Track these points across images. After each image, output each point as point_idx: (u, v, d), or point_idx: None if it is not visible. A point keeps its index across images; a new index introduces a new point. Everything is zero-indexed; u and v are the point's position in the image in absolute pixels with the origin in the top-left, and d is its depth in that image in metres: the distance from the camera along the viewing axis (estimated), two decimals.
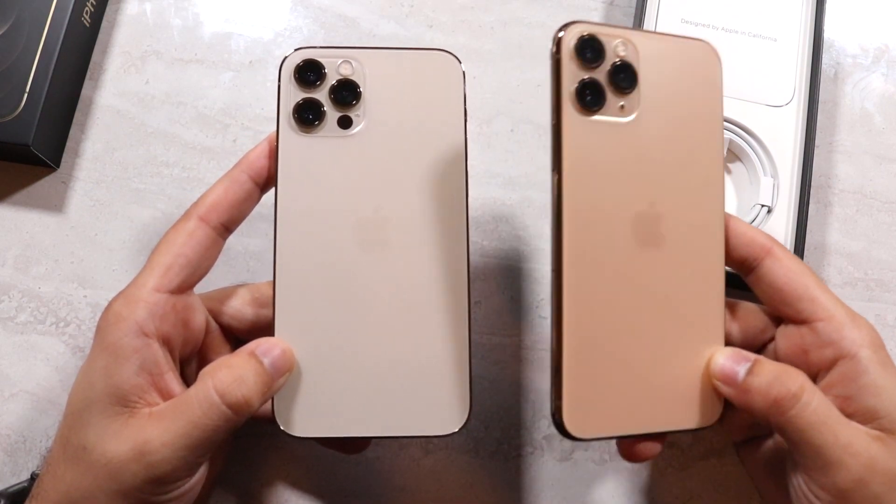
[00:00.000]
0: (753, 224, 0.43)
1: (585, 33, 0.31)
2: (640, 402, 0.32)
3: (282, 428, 0.32)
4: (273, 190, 0.33)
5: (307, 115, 0.33)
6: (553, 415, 0.30)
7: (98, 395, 0.30)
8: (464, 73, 0.34)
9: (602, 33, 0.31)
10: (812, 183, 0.44)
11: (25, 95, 0.41)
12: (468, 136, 0.34)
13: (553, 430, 0.41)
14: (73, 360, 0.41)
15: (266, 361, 0.31)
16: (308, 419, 0.32)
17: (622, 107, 0.31)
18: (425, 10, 0.48)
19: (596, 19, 0.48)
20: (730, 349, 0.32)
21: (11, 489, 0.38)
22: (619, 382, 0.31)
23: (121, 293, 0.32)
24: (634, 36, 0.31)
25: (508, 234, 0.44)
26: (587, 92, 0.30)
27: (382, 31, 0.47)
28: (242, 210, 0.34)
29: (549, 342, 0.31)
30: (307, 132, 0.33)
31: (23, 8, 0.42)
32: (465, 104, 0.34)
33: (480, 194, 0.45)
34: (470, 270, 0.33)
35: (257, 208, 0.35)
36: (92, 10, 0.45)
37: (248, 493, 0.40)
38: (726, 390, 0.31)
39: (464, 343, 0.33)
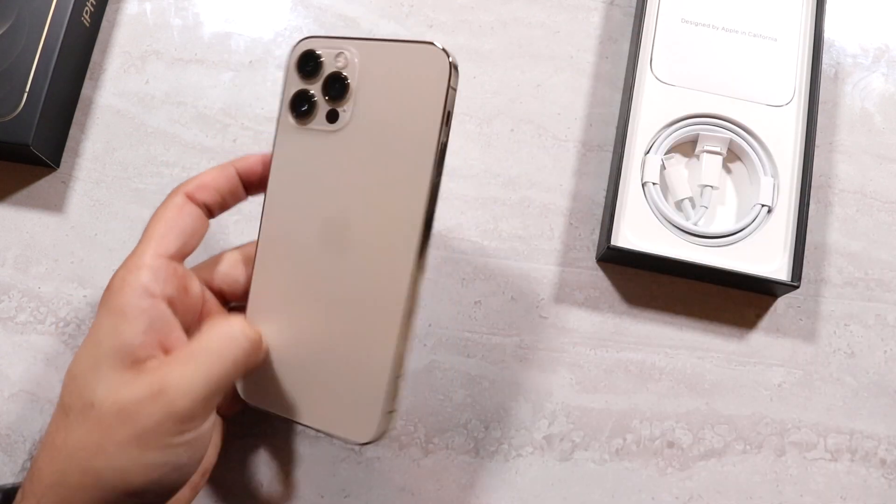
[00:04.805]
0: (754, 223, 0.43)
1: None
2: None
3: (239, 394, 0.34)
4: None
5: (300, 107, 0.33)
6: None
7: (106, 353, 0.30)
8: (452, 66, 0.32)
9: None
10: (812, 183, 0.44)
11: (25, 95, 0.41)
12: (449, 134, 0.32)
13: (553, 429, 0.41)
14: None
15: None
16: (258, 393, 0.34)
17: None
18: (425, 10, 0.48)
19: (596, 19, 0.48)
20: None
21: (7, 486, 0.38)
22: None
23: (122, 264, 0.32)
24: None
25: (508, 234, 0.44)
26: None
27: (382, 31, 0.47)
28: (225, 199, 0.35)
29: None
30: (301, 124, 0.33)
31: (23, 8, 0.42)
32: (445, 100, 0.31)
33: (480, 194, 0.45)
34: (419, 275, 0.32)
35: (257, 209, 0.35)
36: (92, 10, 0.45)
37: (249, 492, 0.40)
38: None
39: (388, 353, 0.32)
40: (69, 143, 0.44)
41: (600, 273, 0.44)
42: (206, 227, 0.35)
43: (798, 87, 0.45)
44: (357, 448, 0.40)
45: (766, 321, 0.44)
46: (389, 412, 0.32)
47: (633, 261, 0.43)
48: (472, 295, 0.43)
